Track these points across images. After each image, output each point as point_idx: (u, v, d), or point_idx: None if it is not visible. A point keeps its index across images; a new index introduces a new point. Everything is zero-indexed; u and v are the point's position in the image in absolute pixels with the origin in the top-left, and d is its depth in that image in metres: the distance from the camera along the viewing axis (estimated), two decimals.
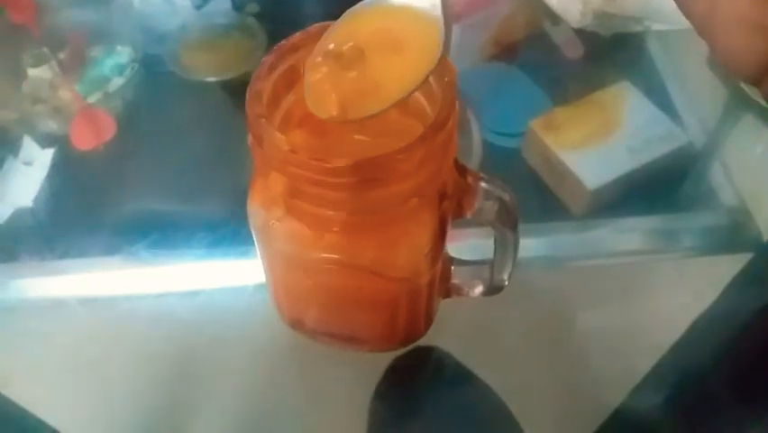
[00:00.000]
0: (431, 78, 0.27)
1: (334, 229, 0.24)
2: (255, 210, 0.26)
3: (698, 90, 0.60)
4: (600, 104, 0.57)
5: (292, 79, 0.26)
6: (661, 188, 0.55)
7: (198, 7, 0.66)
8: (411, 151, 0.23)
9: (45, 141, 0.57)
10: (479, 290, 0.30)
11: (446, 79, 0.25)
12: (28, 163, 0.57)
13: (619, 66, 0.61)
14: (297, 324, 0.31)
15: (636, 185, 0.53)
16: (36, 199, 0.54)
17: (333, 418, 0.40)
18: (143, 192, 0.53)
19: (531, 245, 0.52)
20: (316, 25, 0.26)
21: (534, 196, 0.56)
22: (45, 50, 0.57)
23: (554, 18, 0.62)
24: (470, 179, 0.26)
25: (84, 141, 0.54)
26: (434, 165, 0.24)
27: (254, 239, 0.29)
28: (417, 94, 0.28)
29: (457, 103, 0.25)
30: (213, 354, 0.48)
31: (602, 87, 0.58)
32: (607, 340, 0.46)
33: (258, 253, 0.30)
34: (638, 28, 0.49)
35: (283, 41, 0.26)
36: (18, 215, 0.54)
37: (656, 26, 0.49)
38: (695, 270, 0.53)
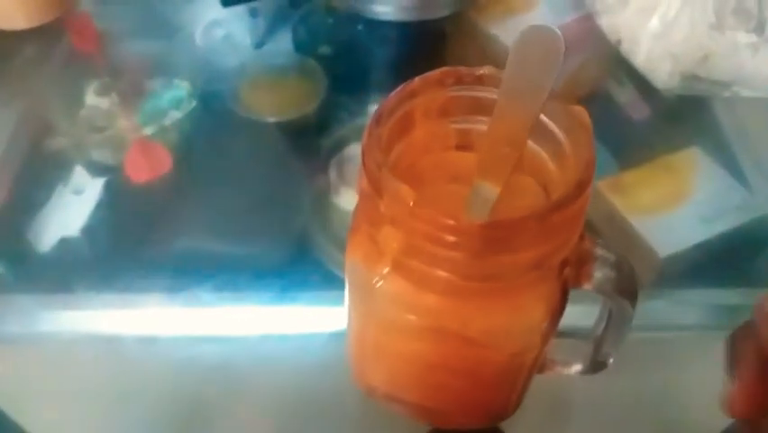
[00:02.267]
0: (553, 126, 0.25)
1: (444, 293, 0.22)
2: (355, 265, 0.24)
3: None
4: (669, 168, 0.55)
5: (405, 126, 0.24)
6: (733, 261, 0.52)
7: (258, 46, 0.66)
8: (547, 216, 0.21)
9: (98, 170, 0.56)
10: (577, 367, 0.28)
11: (583, 136, 0.23)
12: (78, 192, 0.56)
13: (686, 130, 0.59)
14: (373, 389, 0.28)
15: (707, 257, 0.51)
16: (84, 230, 0.53)
17: None
18: (196, 229, 0.52)
19: (593, 313, 0.50)
20: (436, 71, 0.24)
21: None
22: (108, 80, 0.57)
23: (619, 78, 0.61)
24: (587, 245, 0.24)
25: (139, 172, 0.52)
26: (566, 234, 0.22)
27: (347, 294, 0.27)
28: (533, 146, 0.26)
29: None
30: (272, 406, 0.45)
31: (669, 150, 0.56)
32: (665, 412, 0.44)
33: (347, 307, 0.27)
34: (726, 94, 0.47)
35: (402, 86, 0.24)
36: (64, 244, 0.53)
37: (745, 93, 0.47)
38: None
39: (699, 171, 0.55)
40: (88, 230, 0.53)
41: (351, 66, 0.59)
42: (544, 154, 0.25)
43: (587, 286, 0.24)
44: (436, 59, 0.64)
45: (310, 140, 0.57)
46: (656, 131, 0.61)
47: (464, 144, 0.26)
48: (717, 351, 0.50)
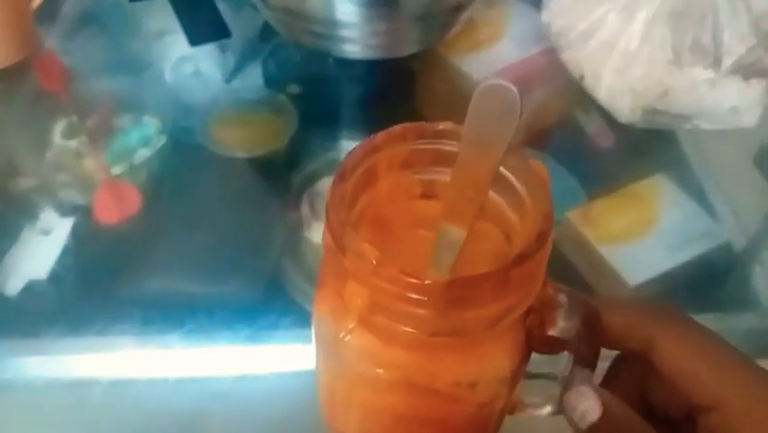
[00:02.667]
0: (513, 178, 0.25)
1: (410, 347, 0.22)
2: (322, 320, 0.24)
3: (733, 186, 0.59)
4: (636, 197, 0.56)
5: (369, 180, 0.24)
6: (699, 287, 0.53)
7: (228, 81, 0.66)
8: (509, 271, 0.21)
9: (66, 211, 0.55)
10: (547, 409, 0.28)
11: (542, 189, 0.24)
12: (45, 233, 0.55)
13: (651, 158, 0.60)
14: None
15: (675, 283, 0.52)
16: (52, 273, 0.52)
17: None
18: (167, 270, 0.51)
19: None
20: (398, 127, 0.25)
21: (568, 286, 0.54)
22: (75, 119, 0.56)
23: (585, 107, 0.62)
24: (549, 291, 0.24)
25: (107, 214, 0.52)
26: (529, 286, 0.22)
27: (315, 347, 0.27)
28: (495, 196, 0.26)
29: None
30: None
31: (635, 178, 0.57)
32: None
33: (315, 358, 0.27)
34: (686, 126, 0.49)
35: (364, 141, 0.24)
36: (31, 287, 0.52)
37: (705, 125, 0.48)
38: None
39: (664, 199, 0.56)
40: (56, 273, 0.52)
41: (321, 102, 0.60)
42: (505, 204, 0.25)
43: (551, 332, 0.24)
44: (406, 95, 0.65)
45: (281, 175, 0.57)
46: (623, 159, 0.62)
47: (429, 193, 0.26)
48: None
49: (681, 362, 0.23)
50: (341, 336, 0.23)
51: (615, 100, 0.48)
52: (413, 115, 0.65)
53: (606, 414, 0.23)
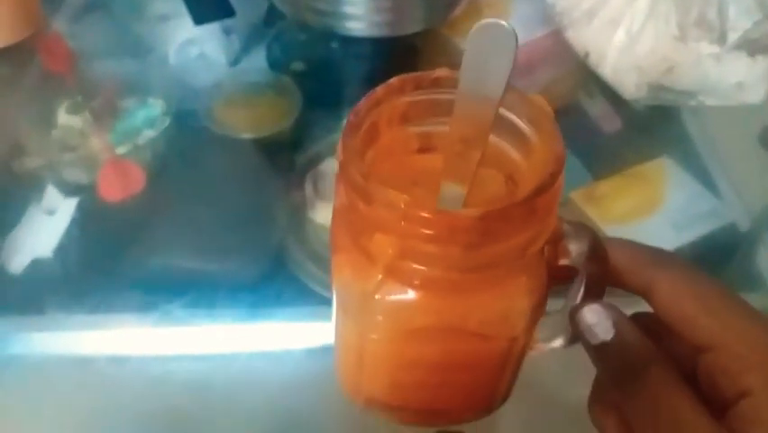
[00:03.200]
0: (518, 120, 0.25)
1: (442, 290, 0.22)
2: (345, 283, 0.24)
3: (738, 167, 0.59)
4: (641, 178, 0.56)
5: (372, 136, 0.24)
6: (705, 267, 0.53)
7: (232, 64, 0.66)
8: (533, 202, 0.21)
9: (70, 190, 0.55)
10: (559, 342, 0.28)
11: (547, 123, 0.23)
12: (50, 212, 0.55)
13: (656, 140, 0.60)
14: (372, 401, 0.28)
15: None
16: (56, 250, 0.52)
17: None
18: (171, 247, 0.52)
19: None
20: (395, 79, 0.25)
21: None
22: (80, 99, 0.56)
23: (590, 90, 0.62)
24: (558, 223, 0.24)
25: (112, 192, 0.52)
26: (548, 218, 0.22)
27: (335, 315, 0.26)
28: (494, 139, 0.26)
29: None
30: (248, 423, 0.45)
31: (639, 160, 0.57)
32: None
33: (336, 327, 0.27)
34: (691, 103, 0.48)
35: (367, 96, 0.24)
36: (37, 265, 0.52)
37: (710, 101, 0.48)
38: None
39: (669, 180, 0.55)
40: (61, 250, 0.52)
41: (325, 82, 0.60)
42: (507, 145, 0.25)
43: (564, 261, 0.24)
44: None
45: (285, 156, 0.57)
46: (627, 141, 0.62)
47: (426, 147, 0.26)
48: None
49: (678, 305, 0.23)
50: (370, 291, 0.23)
51: (620, 77, 0.48)
52: None
53: (617, 333, 0.23)
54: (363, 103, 0.23)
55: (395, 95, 0.24)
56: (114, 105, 0.59)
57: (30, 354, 0.48)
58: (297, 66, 0.60)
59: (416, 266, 0.21)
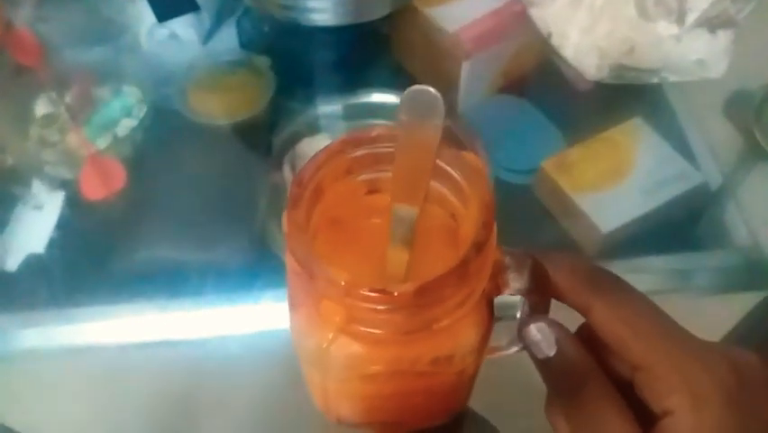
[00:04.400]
0: (450, 170, 0.27)
1: (391, 344, 0.24)
2: (302, 336, 0.26)
3: (711, 129, 0.59)
4: (613, 142, 0.57)
5: (319, 194, 0.25)
6: (675, 227, 0.54)
7: (204, 42, 0.66)
8: (465, 267, 0.23)
9: (55, 185, 0.57)
10: (513, 349, 0.30)
11: (479, 178, 0.25)
12: (38, 208, 0.57)
13: (631, 100, 0.60)
14: (341, 418, 0.31)
15: (650, 225, 0.53)
16: (48, 246, 0.54)
17: None
18: (155, 239, 0.53)
19: None
20: (336, 142, 0.26)
21: (546, 235, 0.56)
22: (53, 94, 0.57)
23: None
24: (498, 255, 0.26)
25: (94, 191, 0.53)
26: (483, 271, 0.24)
27: (298, 355, 0.28)
28: (437, 185, 0.27)
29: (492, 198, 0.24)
30: (245, 404, 0.48)
31: (614, 122, 0.58)
32: None
33: (301, 363, 0.29)
34: (654, 80, 0.48)
35: (309, 161, 0.25)
36: (29, 262, 0.54)
37: (673, 78, 0.48)
38: (709, 308, 0.53)
39: (640, 143, 0.56)
40: (52, 246, 0.54)
41: (297, 63, 0.60)
42: (447, 191, 0.27)
43: (506, 293, 0.26)
44: (383, 50, 0.64)
45: (262, 139, 0.58)
46: (602, 102, 0.62)
47: (374, 189, 0.27)
48: (670, 313, 0.53)
49: (611, 327, 0.25)
50: (324, 346, 0.25)
51: (582, 58, 0.48)
52: (392, 66, 0.65)
53: (559, 349, 0.25)
54: (306, 169, 0.25)
55: (336, 155, 0.25)
56: (89, 95, 0.60)
57: (24, 349, 0.50)
58: (264, 60, 0.59)
59: (363, 328, 0.23)
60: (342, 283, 0.22)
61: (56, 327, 0.51)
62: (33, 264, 0.54)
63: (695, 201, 0.55)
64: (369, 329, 0.23)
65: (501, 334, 0.31)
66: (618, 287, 0.26)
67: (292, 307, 0.26)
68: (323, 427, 0.38)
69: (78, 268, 0.54)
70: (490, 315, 0.26)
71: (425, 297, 0.22)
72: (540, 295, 0.27)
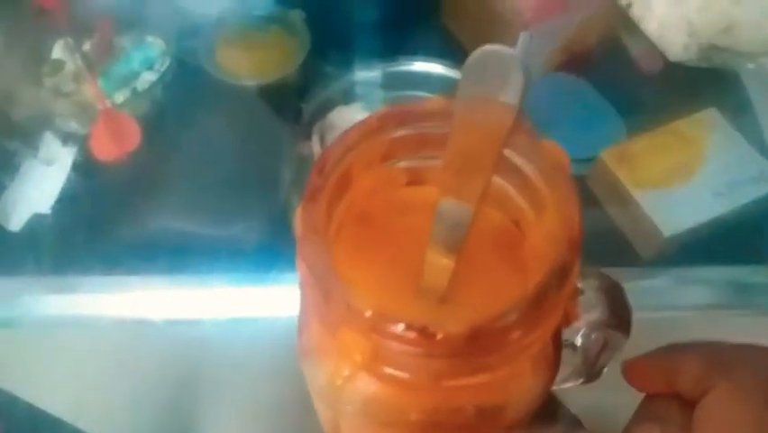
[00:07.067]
0: (523, 162, 0.21)
1: (427, 391, 0.19)
2: (310, 361, 0.21)
3: None
4: (682, 135, 0.50)
5: (345, 185, 0.20)
6: (743, 235, 0.48)
7: None
8: (529, 314, 0.17)
9: (67, 140, 0.53)
10: (571, 383, 0.25)
11: (561, 179, 0.19)
12: (48, 163, 0.53)
13: (705, 88, 0.54)
14: None
15: (718, 232, 0.47)
16: (54, 207, 0.50)
17: None
18: (167, 209, 0.49)
19: None
20: (373, 117, 0.20)
21: (598, 232, 0.50)
22: (69, 40, 0.52)
23: (632, 27, 0.55)
24: (573, 283, 0.21)
25: (105, 151, 0.49)
26: (558, 311, 0.18)
27: (306, 381, 0.23)
28: (499, 181, 0.22)
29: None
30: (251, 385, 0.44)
31: (684, 112, 0.51)
32: None
33: (309, 389, 0.24)
34: (749, 65, 0.42)
35: (335, 142, 0.20)
36: (35, 222, 0.50)
37: None
38: None
39: (714, 138, 0.50)
40: (58, 208, 0.50)
41: (334, 21, 0.54)
42: (513, 190, 0.21)
43: (576, 324, 0.21)
44: (430, 17, 0.58)
45: (291, 105, 0.53)
46: (671, 88, 0.55)
47: (416, 180, 0.22)
48: (726, 330, 0.48)
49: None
50: (338, 384, 0.19)
51: (667, 34, 0.42)
52: (439, 31, 0.59)
53: None
54: (331, 153, 0.19)
55: (372, 135, 0.19)
56: (110, 44, 0.55)
57: (33, 315, 0.47)
58: (299, 16, 0.54)
59: (390, 370, 0.18)
60: (368, 314, 0.16)
61: (56, 296, 0.47)
62: (38, 225, 0.50)
63: None
64: (397, 372, 0.17)
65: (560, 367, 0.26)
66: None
67: (300, 332, 0.21)
68: None
69: (83, 234, 0.49)
70: (557, 355, 0.21)
71: (481, 342, 0.16)
72: (618, 329, 0.21)
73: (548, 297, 0.17)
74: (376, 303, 0.17)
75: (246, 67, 0.54)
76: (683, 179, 0.48)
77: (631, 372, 0.23)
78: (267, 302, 0.47)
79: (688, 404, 0.21)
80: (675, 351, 0.23)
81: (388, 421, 0.20)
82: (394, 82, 0.54)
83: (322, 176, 0.19)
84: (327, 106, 0.53)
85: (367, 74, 0.53)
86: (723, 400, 0.20)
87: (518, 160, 0.20)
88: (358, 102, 0.53)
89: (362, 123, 0.19)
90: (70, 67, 0.54)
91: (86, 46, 0.54)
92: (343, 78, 0.54)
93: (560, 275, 0.17)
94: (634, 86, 0.56)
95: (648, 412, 0.23)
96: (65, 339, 0.47)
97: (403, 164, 0.21)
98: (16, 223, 0.50)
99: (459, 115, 0.19)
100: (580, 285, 0.21)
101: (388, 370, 0.18)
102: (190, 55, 0.55)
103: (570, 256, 0.18)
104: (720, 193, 0.48)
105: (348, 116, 0.52)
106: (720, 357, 0.21)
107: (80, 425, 0.48)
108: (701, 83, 0.54)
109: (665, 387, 0.22)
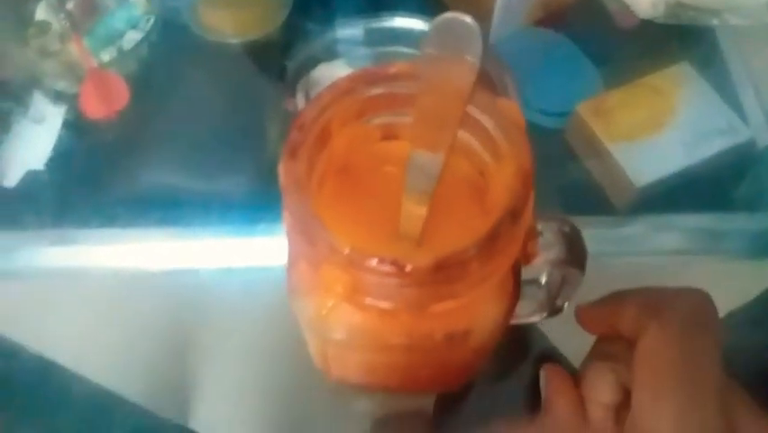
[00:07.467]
0: (485, 119, 0.23)
1: (402, 317, 0.21)
2: (299, 297, 0.23)
3: (765, 81, 0.54)
4: (655, 88, 0.52)
5: (324, 142, 0.22)
6: (713, 185, 0.50)
7: None
8: (488, 245, 0.19)
9: (56, 98, 0.54)
10: (536, 317, 0.27)
11: (517, 133, 0.21)
12: (38, 121, 0.54)
13: (678, 43, 0.55)
14: (343, 380, 0.28)
15: (688, 181, 0.49)
16: (48, 164, 0.52)
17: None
18: (157, 164, 0.50)
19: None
20: (345, 78, 0.22)
21: (575, 183, 0.52)
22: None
23: None
24: (530, 220, 0.23)
25: (95, 109, 0.50)
26: (518, 242, 0.21)
27: (296, 316, 0.25)
28: (464, 134, 0.24)
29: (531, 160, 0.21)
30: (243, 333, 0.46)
31: (658, 66, 0.53)
32: None
33: (299, 322, 0.26)
34: (714, 21, 0.43)
35: (310, 103, 0.22)
36: (29, 178, 0.51)
37: (735, 21, 0.43)
38: (737, 273, 0.50)
39: (685, 91, 0.51)
40: (51, 164, 0.51)
41: None
42: (476, 143, 0.23)
43: (535, 262, 0.23)
44: None
45: (275, 62, 0.54)
46: (647, 42, 0.57)
47: (390, 135, 0.24)
48: (696, 274, 0.50)
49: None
50: (323, 313, 0.22)
51: None
52: None
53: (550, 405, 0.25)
54: (309, 111, 0.21)
55: (344, 96, 0.21)
56: (92, 2, 0.55)
57: (33, 266, 0.49)
58: None
59: (368, 299, 0.20)
60: (346, 251, 0.18)
61: (52, 248, 0.49)
62: (32, 181, 0.52)
63: (739, 159, 0.51)
64: (375, 301, 0.20)
65: (523, 304, 0.28)
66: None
67: (290, 266, 0.23)
68: (320, 372, 0.37)
69: (78, 189, 0.51)
70: (517, 287, 0.23)
71: (445, 272, 0.19)
72: (575, 266, 0.24)
73: (501, 234, 0.19)
74: (353, 242, 0.19)
75: (229, 24, 0.54)
76: (655, 132, 0.50)
77: (581, 316, 0.26)
78: (257, 252, 0.49)
79: (632, 344, 0.23)
80: (617, 297, 0.25)
81: (369, 346, 0.22)
82: (376, 38, 0.55)
83: (302, 132, 0.20)
84: (310, 63, 0.54)
85: (349, 30, 0.54)
86: (654, 338, 0.22)
87: (480, 116, 0.22)
88: (340, 58, 0.54)
89: (334, 84, 0.21)
90: (56, 27, 0.54)
91: (69, 4, 0.55)
92: (325, 34, 0.54)
93: (512, 215, 0.19)
94: (610, 40, 0.58)
95: (600, 352, 0.26)
96: (64, 289, 0.49)
97: (377, 121, 0.23)
98: (11, 179, 0.51)
99: (426, 74, 0.21)
100: (540, 228, 0.23)
101: (367, 300, 0.20)
102: (174, 14, 0.56)
103: (521, 200, 0.20)
104: (690, 144, 0.50)
105: (331, 73, 0.53)
106: (652, 301, 0.24)
107: (80, 371, 0.50)
108: (676, 37, 0.55)
109: (610, 330, 0.24)
